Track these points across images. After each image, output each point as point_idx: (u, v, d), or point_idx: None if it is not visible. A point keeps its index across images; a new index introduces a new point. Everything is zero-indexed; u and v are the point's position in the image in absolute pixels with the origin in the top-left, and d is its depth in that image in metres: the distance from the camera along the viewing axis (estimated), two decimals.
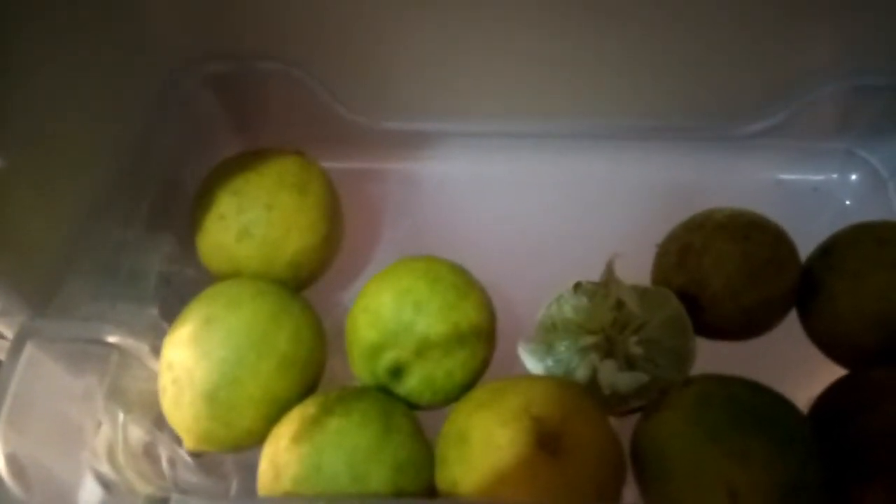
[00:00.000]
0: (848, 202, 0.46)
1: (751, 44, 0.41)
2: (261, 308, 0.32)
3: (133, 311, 0.33)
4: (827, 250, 0.37)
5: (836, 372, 0.35)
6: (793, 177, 0.47)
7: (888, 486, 0.29)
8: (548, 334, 0.36)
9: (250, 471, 0.32)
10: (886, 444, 0.30)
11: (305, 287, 0.39)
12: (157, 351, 0.33)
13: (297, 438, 0.29)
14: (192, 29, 0.41)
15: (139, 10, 0.38)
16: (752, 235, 0.35)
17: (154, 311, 0.34)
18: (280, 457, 0.29)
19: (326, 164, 0.40)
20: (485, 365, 0.34)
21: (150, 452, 0.34)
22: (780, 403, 0.30)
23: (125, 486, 0.29)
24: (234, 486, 0.35)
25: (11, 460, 0.27)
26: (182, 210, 0.39)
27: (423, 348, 0.32)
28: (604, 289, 0.36)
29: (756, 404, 0.30)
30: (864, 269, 0.34)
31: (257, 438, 0.31)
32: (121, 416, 0.33)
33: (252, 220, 0.36)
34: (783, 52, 0.41)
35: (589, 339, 0.35)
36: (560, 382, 0.32)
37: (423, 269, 0.34)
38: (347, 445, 0.29)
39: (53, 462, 0.29)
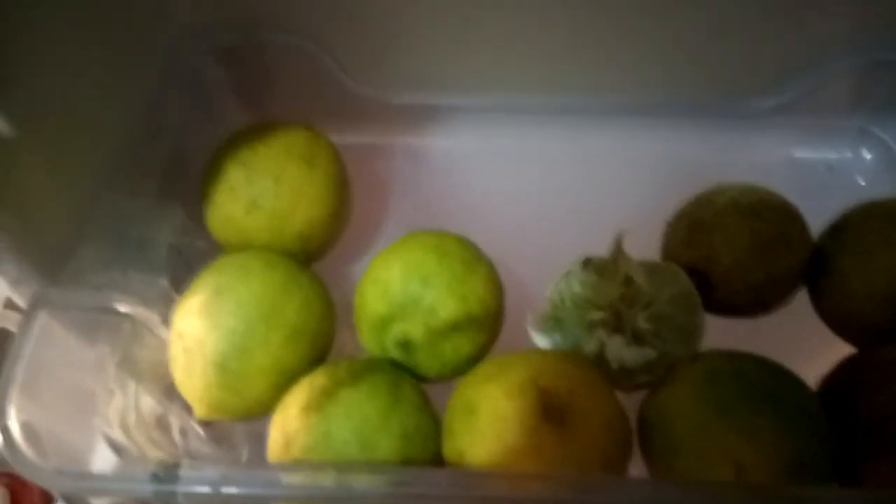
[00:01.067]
0: (862, 181, 0.46)
1: (763, 18, 0.40)
2: (271, 279, 0.32)
3: (144, 280, 0.33)
4: (838, 228, 0.36)
5: (846, 350, 0.35)
6: (806, 154, 0.47)
7: None
8: (556, 310, 0.36)
9: (260, 440, 0.33)
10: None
11: (314, 260, 0.39)
12: (167, 321, 0.34)
13: (307, 408, 0.29)
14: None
15: None
16: (763, 212, 0.35)
17: (165, 282, 0.34)
18: (290, 426, 0.29)
19: (335, 139, 0.40)
20: (493, 339, 0.34)
21: (161, 422, 0.35)
22: (788, 379, 0.30)
23: (137, 453, 0.29)
24: (244, 455, 0.35)
25: (26, 427, 0.28)
26: (192, 182, 0.39)
27: (431, 321, 0.32)
28: (612, 264, 0.36)
29: (764, 380, 0.30)
30: (875, 248, 0.34)
31: (267, 407, 0.32)
32: (132, 384, 0.33)
33: (260, 192, 0.36)
34: (796, 26, 0.41)
35: (597, 315, 0.35)
36: (567, 356, 0.32)
37: (432, 242, 0.34)
38: (356, 415, 0.29)
39: (67, 429, 0.30)
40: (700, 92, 0.45)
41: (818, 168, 0.47)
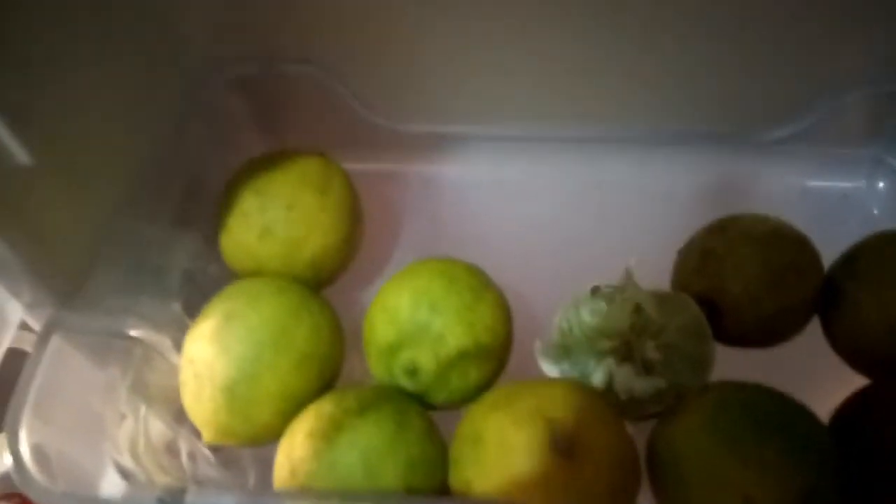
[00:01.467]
0: (876, 210, 0.45)
1: (778, 49, 0.41)
2: (281, 305, 0.33)
3: (157, 305, 0.34)
4: (851, 258, 0.36)
5: (858, 381, 0.34)
6: (820, 184, 0.46)
7: None
8: (565, 338, 0.36)
9: (268, 464, 0.33)
10: None
11: (325, 286, 0.39)
12: (179, 346, 0.34)
13: (314, 435, 0.29)
14: (221, 31, 0.42)
15: (170, 13, 0.39)
16: (774, 242, 0.35)
17: (177, 307, 0.35)
18: (296, 452, 0.29)
19: (348, 166, 0.41)
20: (501, 367, 0.34)
21: (170, 447, 0.35)
22: (798, 411, 0.30)
23: (145, 478, 0.29)
24: (251, 480, 0.36)
25: (36, 450, 0.28)
26: (207, 209, 0.40)
27: (439, 348, 0.32)
28: (622, 293, 0.36)
29: (773, 411, 0.29)
30: (888, 278, 0.34)
31: (275, 433, 0.32)
32: (143, 408, 0.33)
33: (274, 219, 0.36)
34: (811, 56, 0.41)
35: (606, 344, 0.35)
36: (576, 386, 0.32)
37: (440, 269, 0.34)
38: (362, 443, 0.29)
39: (76, 452, 0.30)
40: (714, 121, 0.45)
41: (832, 197, 0.46)
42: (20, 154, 0.28)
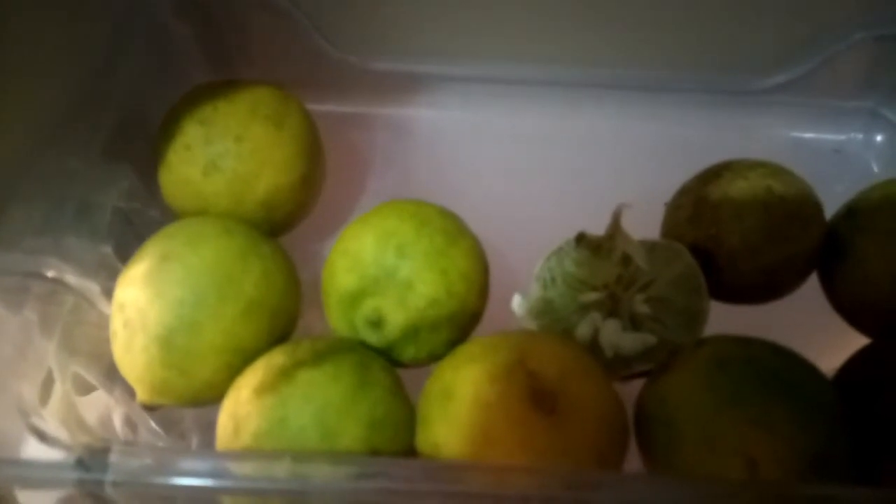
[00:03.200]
0: (875, 166, 0.43)
1: None
2: (226, 247, 0.29)
3: (84, 246, 0.30)
4: (854, 210, 0.34)
5: (858, 341, 0.32)
6: (813, 136, 0.44)
7: None
8: (546, 290, 0.32)
9: (211, 429, 0.29)
10: None
11: (280, 233, 0.35)
12: (110, 294, 0.30)
13: (261, 389, 0.25)
14: None
15: None
16: (776, 188, 0.32)
17: (108, 250, 0.31)
18: (241, 409, 0.26)
19: (310, 107, 0.37)
20: (475, 319, 0.31)
21: (102, 412, 0.31)
22: (805, 367, 0.27)
23: (64, 438, 0.25)
24: (193, 445, 0.32)
25: None
26: (146, 145, 0.35)
27: (407, 296, 0.29)
28: (609, 242, 0.33)
29: (778, 367, 0.27)
30: None
31: (218, 391, 0.28)
32: (68, 364, 0.29)
33: (220, 153, 0.32)
34: (805, 1, 0.39)
35: (591, 296, 0.32)
36: (559, 339, 0.29)
37: (410, 211, 0.30)
38: (317, 398, 0.25)
39: None
40: (703, 68, 0.42)
41: (826, 150, 0.44)
42: None
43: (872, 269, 0.32)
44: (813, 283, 0.35)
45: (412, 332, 0.29)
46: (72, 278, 0.29)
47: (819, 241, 0.33)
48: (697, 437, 0.26)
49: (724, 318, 0.33)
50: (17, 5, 0.29)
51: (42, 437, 0.25)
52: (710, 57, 0.42)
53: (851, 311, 0.33)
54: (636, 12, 0.40)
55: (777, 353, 0.27)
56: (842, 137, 0.44)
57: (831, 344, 0.33)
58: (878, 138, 0.43)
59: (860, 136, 0.44)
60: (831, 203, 0.35)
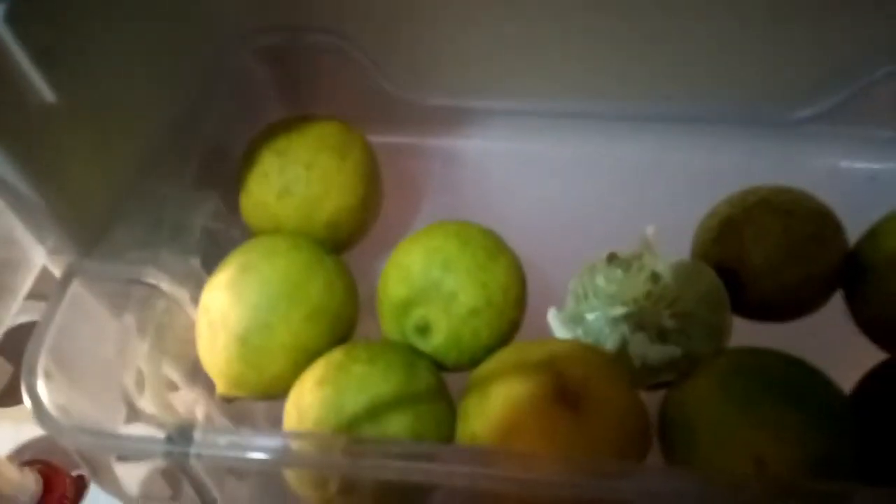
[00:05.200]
0: None
1: (806, 25, 0.40)
2: (295, 259, 0.33)
3: (176, 259, 0.34)
4: (877, 232, 0.35)
5: (881, 357, 0.34)
6: (848, 164, 0.45)
7: None
8: (579, 304, 0.35)
9: (279, 422, 0.33)
10: None
11: (343, 250, 0.39)
12: (196, 301, 0.35)
13: (321, 381, 0.29)
14: (250, 0, 0.42)
15: None
16: (796, 210, 0.34)
17: (196, 262, 0.35)
18: (304, 399, 0.30)
19: (370, 138, 0.41)
20: (512, 329, 0.34)
21: (187, 405, 0.36)
22: (814, 375, 0.29)
23: (155, 420, 0.30)
24: None
25: (51, 388, 0.29)
26: (229, 173, 0.40)
27: (451, 306, 0.32)
28: (638, 260, 0.35)
29: (788, 375, 0.29)
30: None
31: (286, 385, 0.32)
32: (158, 359, 0.34)
33: (292, 179, 0.37)
34: (840, 32, 0.40)
35: (620, 310, 0.34)
36: (588, 346, 0.32)
37: (454, 230, 0.34)
38: (370, 390, 0.29)
39: (91, 394, 0.31)
40: (740, 100, 0.44)
41: (861, 178, 0.45)
42: (45, 91, 0.28)
43: (891, 290, 0.33)
44: (838, 301, 0.36)
45: (455, 338, 0.32)
46: (166, 285, 0.33)
47: (839, 261, 0.35)
48: (711, 438, 0.28)
49: (749, 335, 0.35)
50: (129, 54, 0.35)
51: (141, 416, 0.30)
52: (747, 89, 0.44)
53: (872, 329, 0.35)
54: (672, 48, 0.42)
55: (788, 363, 0.29)
56: (877, 166, 0.45)
57: (855, 361, 0.34)
58: None
59: (894, 163, 0.45)
60: (865, 229, 0.36)
